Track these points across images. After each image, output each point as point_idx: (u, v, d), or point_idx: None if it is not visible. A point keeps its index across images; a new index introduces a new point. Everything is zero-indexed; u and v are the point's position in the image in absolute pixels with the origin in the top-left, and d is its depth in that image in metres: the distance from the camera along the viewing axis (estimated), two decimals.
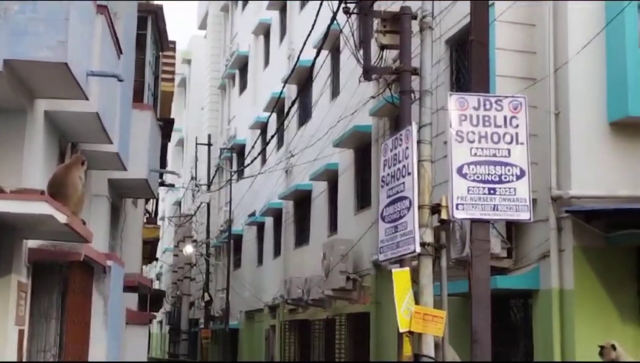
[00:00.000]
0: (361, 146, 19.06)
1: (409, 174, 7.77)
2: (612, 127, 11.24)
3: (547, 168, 11.31)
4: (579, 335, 10.60)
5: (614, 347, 8.16)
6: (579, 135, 11.21)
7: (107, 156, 10.35)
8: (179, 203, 46.69)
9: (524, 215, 7.85)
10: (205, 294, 31.09)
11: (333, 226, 21.46)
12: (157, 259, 29.88)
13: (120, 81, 8.82)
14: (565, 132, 11.27)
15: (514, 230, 12.09)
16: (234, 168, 33.11)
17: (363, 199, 19.03)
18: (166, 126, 18.38)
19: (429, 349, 7.46)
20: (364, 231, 17.16)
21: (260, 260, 30.02)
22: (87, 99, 7.76)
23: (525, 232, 11.89)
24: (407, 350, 7.45)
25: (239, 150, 33.18)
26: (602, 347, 8.23)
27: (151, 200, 21.60)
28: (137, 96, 12.86)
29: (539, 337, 11.40)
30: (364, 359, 17.96)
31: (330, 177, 21.61)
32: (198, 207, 35.28)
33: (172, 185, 26.29)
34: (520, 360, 12.11)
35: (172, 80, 21.08)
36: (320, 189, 22.70)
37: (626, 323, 10.83)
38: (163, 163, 19.32)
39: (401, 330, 7.42)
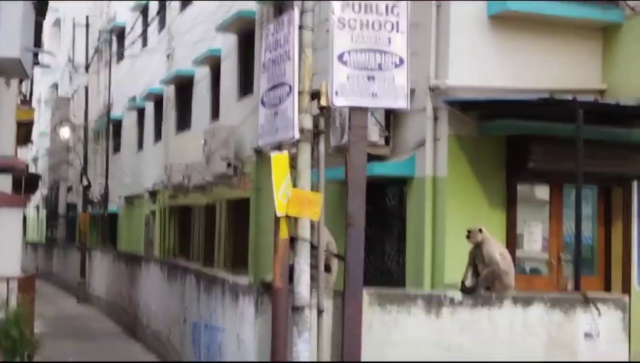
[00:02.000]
0: (245, 32, 18.80)
1: (289, 59, 7.75)
2: (491, 20, 11.48)
3: (426, 58, 11.50)
4: (450, 219, 11.08)
5: (480, 231, 8.55)
6: (458, 27, 11.40)
7: None
8: (56, 86, 45.17)
9: (402, 103, 7.98)
10: (84, 179, 30.57)
11: (215, 112, 21.33)
12: (32, 142, 29.00)
13: None
14: (445, 24, 11.44)
15: (392, 119, 12.33)
16: (114, 50, 32.15)
17: (246, 86, 18.93)
18: (41, 4, 17.55)
19: (304, 232, 7.63)
20: (246, 118, 17.15)
21: (140, 145, 29.65)
22: None
23: (403, 121, 12.16)
24: (284, 233, 7.59)
25: (119, 33, 32.13)
26: (469, 231, 8.62)
27: (26, 81, 20.79)
28: None
29: (412, 222, 11.84)
30: (244, 242, 18.26)
31: (213, 62, 21.31)
32: (75, 90, 34.24)
33: (47, 66, 25.25)
34: (393, 242, 12.58)
35: None
36: (202, 74, 22.40)
37: (494, 208, 11.37)
38: (38, 42, 18.50)
39: (278, 214, 7.54)
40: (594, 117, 10.60)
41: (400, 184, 12.36)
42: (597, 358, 8.29)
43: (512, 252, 10.74)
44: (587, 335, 8.29)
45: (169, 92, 25.62)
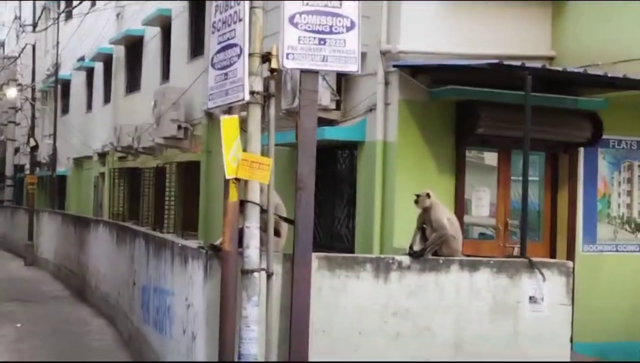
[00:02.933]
0: None
1: (240, 20, 7.61)
2: None
3: (378, 22, 11.44)
4: (399, 184, 11.11)
5: (428, 196, 8.53)
6: None
7: None
8: (2, 44, 44.13)
9: (353, 67, 7.89)
10: (31, 139, 30.03)
11: (165, 73, 21.09)
12: None
13: None
14: None
15: (343, 83, 12.31)
16: (62, 9, 31.46)
17: (196, 47, 18.71)
18: None
19: (254, 196, 7.56)
20: (197, 80, 16.95)
21: (89, 106, 29.21)
22: None
23: (354, 85, 12.13)
24: (233, 197, 7.51)
25: None
26: (417, 196, 8.60)
27: None
28: None
29: (362, 186, 11.87)
30: (194, 205, 18.16)
31: (163, 23, 20.99)
32: (23, 49, 33.48)
33: None
34: (344, 206, 12.60)
35: None
36: (153, 35, 22.06)
37: (442, 173, 11.43)
38: None
39: (227, 177, 7.44)
40: (542, 84, 10.67)
41: (350, 149, 12.36)
42: (540, 321, 8.42)
43: (460, 217, 10.81)
44: (532, 299, 8.39)
45: (119, 53, 25.21)
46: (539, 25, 11.96)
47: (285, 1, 7.66)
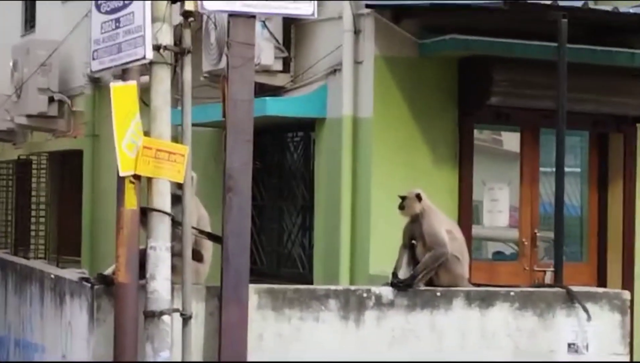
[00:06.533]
0: None
1: None
2: None
3: None
4: (377, 181, 11.14)
5: (419, 197, 8.57)
6: None
7: None
8: None
9: (307, 8, 7.94)
10: None
11: (30, 19, 21.03)
12: None
13: None
14: None
15: (293, 33, 12.32)
16: None
17: None
18: None
19: (162, 201, 7.54)
20: (77, 28, 16.89)
21: None
22: None
23: (310, 36, 12.16)
24: (131, 203, 7.49)
25: None
26: (403, 198, 8.65)
27: None
28: None
29: (321, 185, 11.88)
30: (74, 215, 18.10)
31: None
32: None
33: None
34: (295, 215, 12.63)
35: None
36: None
37: (439, 164, 11.47)
38: None
39: (122, 173, 7.43)
40: (585, 32, 10.77)
41: (305, 129, 12.38)
42: None
43: (467, 228, 10.88)
44: (572, 348, 8.49)
45: None
46: None
47: None
